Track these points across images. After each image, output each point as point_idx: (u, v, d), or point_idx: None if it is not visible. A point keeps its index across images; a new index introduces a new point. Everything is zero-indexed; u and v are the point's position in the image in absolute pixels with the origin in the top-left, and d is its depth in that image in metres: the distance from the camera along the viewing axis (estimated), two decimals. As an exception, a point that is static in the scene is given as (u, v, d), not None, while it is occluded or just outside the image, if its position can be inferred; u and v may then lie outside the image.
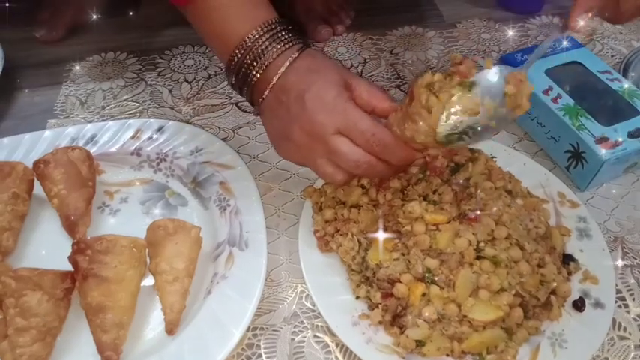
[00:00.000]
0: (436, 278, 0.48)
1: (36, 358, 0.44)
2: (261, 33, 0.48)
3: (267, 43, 0.47)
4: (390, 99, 0.47)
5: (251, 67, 0.48)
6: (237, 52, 0.48)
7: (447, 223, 0.49)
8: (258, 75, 0.48)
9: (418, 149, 0.46)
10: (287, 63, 0.47)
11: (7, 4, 0.76)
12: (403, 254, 0.50)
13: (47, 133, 0.62)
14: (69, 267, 0.48)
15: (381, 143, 0.45)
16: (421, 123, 0.43)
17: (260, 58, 0.48)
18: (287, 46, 0.48)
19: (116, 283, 0.47)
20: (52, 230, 0.55)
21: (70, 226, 0.53)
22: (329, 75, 0.47)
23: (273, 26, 0.48)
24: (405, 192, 0.53)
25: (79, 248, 0.48)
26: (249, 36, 0.48)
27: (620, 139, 0.60)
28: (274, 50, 0.47)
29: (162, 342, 0.48)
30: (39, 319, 0.45)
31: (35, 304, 0.45)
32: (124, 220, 0.57)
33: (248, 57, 0.48)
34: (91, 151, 0.59)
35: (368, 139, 0.45)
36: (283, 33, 0.48)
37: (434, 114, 0.42)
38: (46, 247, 0.54)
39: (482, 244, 0.48)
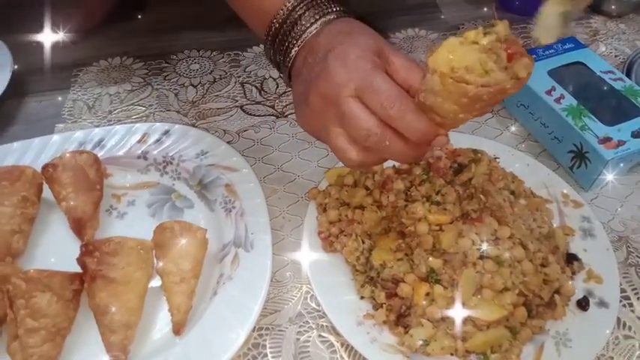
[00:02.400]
0: (440, 278, 0.48)
1: (46, 358, 0.45)
2: (299, 1, 0.46)
3: (304, 9, 0.46)
4: None
5: (286, 36, 0.46)
6: (274, 21, 0.47)
7: (450, 223, 0.50)
8: (295, 41, 0.46)
9: (439, 123, 0.39)
10: (319, 25, 0.45)
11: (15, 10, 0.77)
12: (407, 254, 0.50)
13: (55, 137, 0.63)
14: (77, 269, 0.48)
15: (396, 107, 0.39)
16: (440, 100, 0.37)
17: (297, 25, 0.46)
18: (325, 12, 0.46)
19: (124, 285, 0.48)
20: (60, 233, 0.56)
21: (78, 228, 0.54)
22: (361, 38, 0.43)
23: None
24: (409, 193, 0.53)
25: (87, 250, 0.48)
26: (287, 4, 0.46)
27: (623, 139, 0.60)
28: (311, 15, 0.45)
29: (169, 342, 0.48)
30: (48, 320, 0.45)
31: (45, 305, 0.45)
32: (131, 223, 0.58)
33: (285, 25, 0.46)
34: (99, 155, 0.60)
35: (382, 102, 0.39)
36: (321, 1, 0.46)
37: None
38: (55, 249, 0.55)
39: (485, 244, 0.48)
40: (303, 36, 0.46)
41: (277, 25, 0.47)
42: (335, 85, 0.41)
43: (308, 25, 0.46)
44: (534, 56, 0.71)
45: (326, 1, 0.47)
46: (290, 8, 0.46)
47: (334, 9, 0.46)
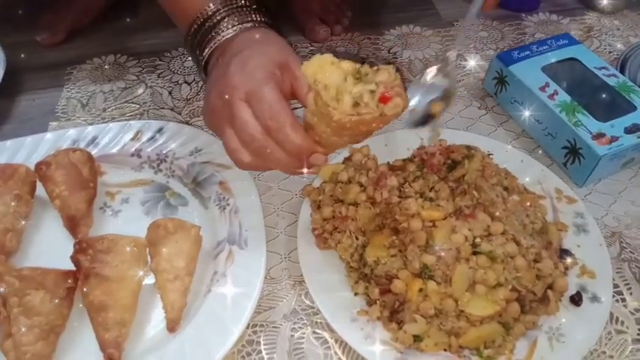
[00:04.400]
0: (433, 274, 0.48)
1: (39, 356, 0.45)
2: (220, 7, 0.48)
3: (224, 14, 0.48)
4: None
5: (204, 37, 0.49)
6: (196, 21, 0.49)
7: (443, 219, 0.50)
8: (210, 43, 0.49)
9: (317, 142, 0.43)
10: (236, 31, 0.47)
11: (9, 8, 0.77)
12: (400, 251, 0.50)
13: (49, 135, 0.63)
14: (71, 266, 0.48)
15: (274, 119, 0.41)
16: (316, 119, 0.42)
17: (214, 29, 0.48)
18: (244, 20, 0.48)
19: (117, 282, 0.48)
20: (54, 231, 0.56)
21: (72, 226, 0.54)
22: (270, 48, 0.45)
23: (234, 1, 0.48)
24: (402, 189, 0.53)
25: (80, 248, 0.48)
26: (208, 7, 0.48)
27: (616, 135, 0.60)
28: (230, 21, 0.48)
29: (163, 339, 0.48)
30: (42, 318, 0.45)
31: (38, 304, 0.45)
32: (125, 221, 0.58)
33: (204, 27, 0.49)
34: (92, 153, 0.60)
35: (263, 112, 0.41)
36: (244, 9, 0.48)
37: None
38: (49, 247, 0.55)
39: (478, 240, 0.48)
40: (217, 38, 0.48)
41: (197, 26, 0.49)
42: (230, 88, 0.43)
43: (225, 29, 0.48)
44: (528, 52, 0.71)
45: (248, 10, 0.49)
46: (210, 13, 0.49)
47: (254, 18, 0.49)
